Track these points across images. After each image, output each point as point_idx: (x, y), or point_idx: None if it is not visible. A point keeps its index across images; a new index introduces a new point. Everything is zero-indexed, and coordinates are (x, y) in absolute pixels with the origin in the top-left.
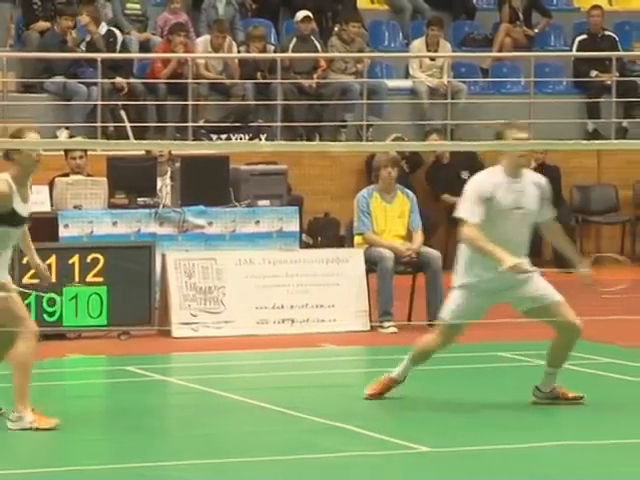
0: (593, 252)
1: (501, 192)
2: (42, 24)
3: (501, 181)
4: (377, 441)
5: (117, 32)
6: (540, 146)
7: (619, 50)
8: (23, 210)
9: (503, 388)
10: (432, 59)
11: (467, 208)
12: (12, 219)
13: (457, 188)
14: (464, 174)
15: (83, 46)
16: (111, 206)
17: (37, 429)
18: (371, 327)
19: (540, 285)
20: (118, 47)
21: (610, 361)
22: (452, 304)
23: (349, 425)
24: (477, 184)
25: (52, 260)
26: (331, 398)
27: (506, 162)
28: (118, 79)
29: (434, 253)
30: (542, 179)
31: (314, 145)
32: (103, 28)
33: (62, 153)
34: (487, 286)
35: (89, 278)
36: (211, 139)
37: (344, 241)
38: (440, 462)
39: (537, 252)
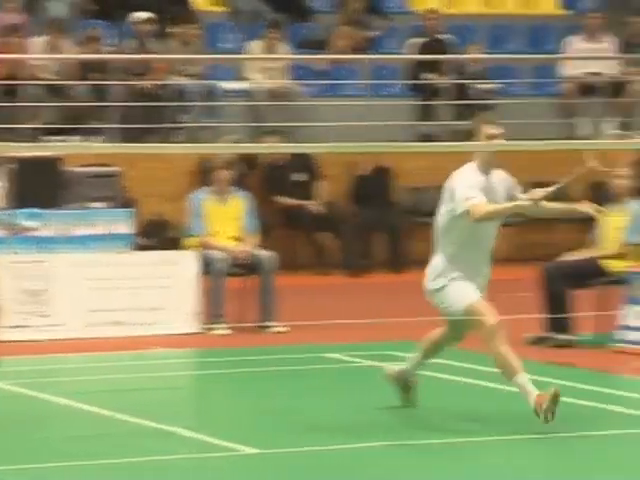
0: (425, 254)
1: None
2: None
3: (480, 178)
4: (204, 444)
5: None
6: (375, 148)
7: (454, 53)
8: None
9: (331, 389)
10: (270, 61)
11: (468, 194)
12: None
13: (292, 190)
14: (300, 176)
15: None
16: None
17: None
18: (203, 329)
19: None
20: None
21: (440, 362)
22: (455, 293)
23: (178, 428)
24: (467, 178)
25: None
26: (160, 401)
27: (479, 160)
28: None
29: (268, 255)
30: (508, 175)
31: (146, 147)
32: None
33: None
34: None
35: None
36: (44, 141)
37: (178, 243)
38: (266, 464)
39: None
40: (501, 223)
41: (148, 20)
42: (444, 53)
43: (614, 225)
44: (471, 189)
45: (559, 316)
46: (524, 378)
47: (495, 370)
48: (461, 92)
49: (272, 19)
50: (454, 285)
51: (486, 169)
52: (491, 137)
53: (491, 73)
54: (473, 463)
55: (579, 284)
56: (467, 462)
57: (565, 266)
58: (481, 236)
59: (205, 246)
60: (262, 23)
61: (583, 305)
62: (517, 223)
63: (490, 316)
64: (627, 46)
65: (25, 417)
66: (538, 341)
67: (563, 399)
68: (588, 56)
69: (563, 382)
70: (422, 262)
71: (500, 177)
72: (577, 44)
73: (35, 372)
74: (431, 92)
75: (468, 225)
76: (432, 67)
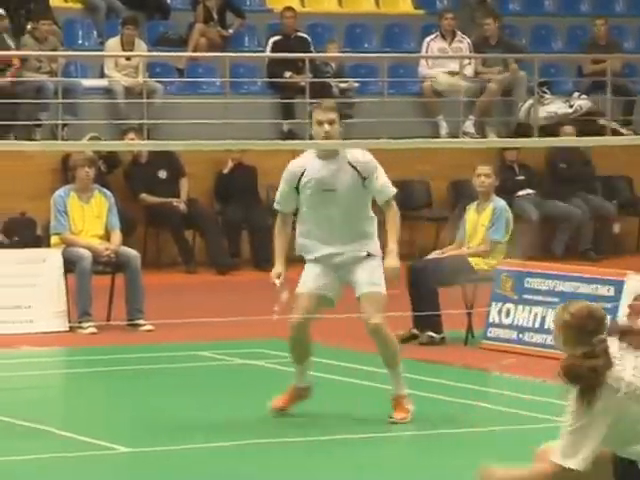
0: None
1: (311, 173)
2: None
3: (312, 162)
4: (76, 442)
5: None
6: (235, 146)
7: (312, 51)
8: None
9: (203, 387)
10: (128, 58)
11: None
12: None
13: (155, 187)
14: (162, 173)
15: None
16: None
17: None
18: (70, 328)
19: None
20: None
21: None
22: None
23: (49, 427)
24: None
25: None
26: (30, 400)
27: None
28: None
29: (133, 252)
30: (362, 156)
31: (7, 144)
32: None
33: None
34: None
35: None
36: None
37: (41, 241)
38: (138, 462)
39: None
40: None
41: (2, 16)
42: (303, 51)
43: (479, 222)
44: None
45: (428, 314)
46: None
47: None
48: (321, 90)
49: (128, 16)
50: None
51: (323, 153)
52: (318, 123)
53: (348, 72)
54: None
55: (447, 282)
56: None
57: (432, 264)
58: (323, 215)
59: (69, 244)
60: (118, 20)
61: (451, 303)
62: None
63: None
64: (479, 47)
65: None
66: (408, 339)
67: (433, 396)
68: (445, 55)
69: (432, 379)
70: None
71: (353, 159)
72: (433, 44)
73: None
74: (291, 90)
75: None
76: (292, 65)
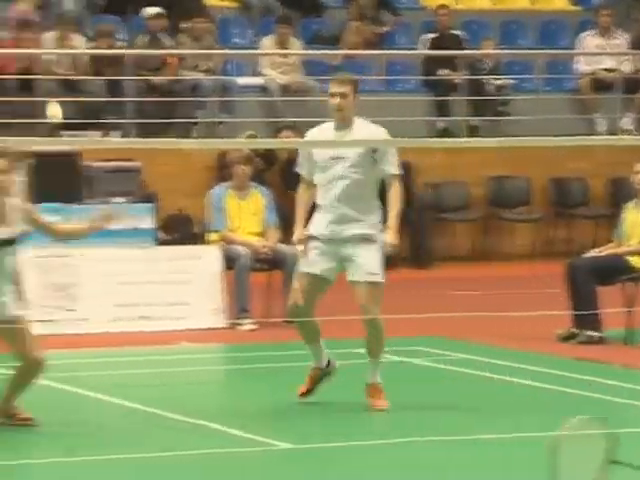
0: (447, 249)
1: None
2: None
3: (327, 133)
4: (236, 438)
5: None
6: (390, 144)
7: (467, 48)
8: None
9: (357, 386)
10: (283, 56)
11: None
12: None
13: None
14: None
15: None
16: None
17: None
18: (229, 324)
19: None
20: None
21: (466, 357)
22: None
23: (211, 423)
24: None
25: None
26: (189, 395)
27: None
28: None
29: (290, 250)
30: (379, 131)
31: (164, 142)
32: None
33: None
34: None
35: None
36: (62, 136)
37: (198, 238)
38: (301, 459)
39: None
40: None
41: (159, 15)
42: (457, 49)
43: (638, 221)
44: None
45: (587, 312)
46: None
47: None
48: (476, 88)
49: (283, 14)
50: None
51: (337, 123)
52: (331, 95)
53: (504, 69)
54: None
55: (604, 280)
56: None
57: (590, 262)
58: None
59: (227, 241)
60: (273, 18)
61: (610, 301)
62: (535, 220)
63: None
64: (637, 43)
65: (52, 410)
66: (567, 337)
67: (592, 395)
68: (602, 52)
69: (593, 378)
70: (444, 258)
71: (367, 131)
72: (590, 40)
73: (62, 366)
74: (446, 88)
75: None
76: (446, 63)
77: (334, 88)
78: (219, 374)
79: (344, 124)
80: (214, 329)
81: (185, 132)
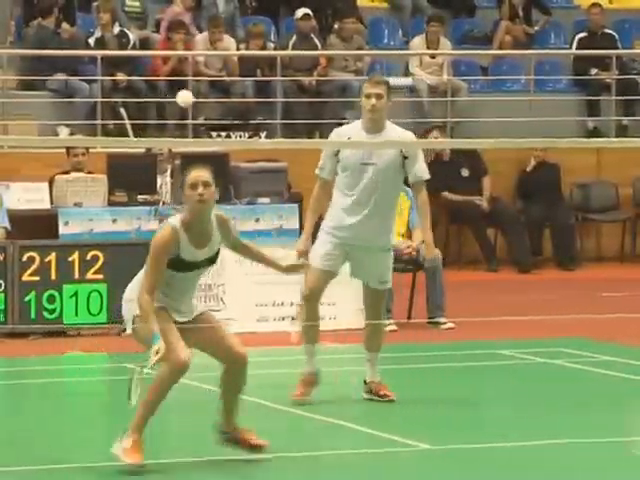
0: (594, 250)
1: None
2: (41, 20)
3: (358, 133)
4: (377, 438)
5: (129, 33)
6: (540, 144)
7: (619, 48)
8: (192, 256)
9: (501, 387)
10: (432, 57)
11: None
12: (177, 264)
13: (457, 186)
14: (464, 172)
15: (91, 43)
16: (111, 204)
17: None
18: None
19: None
20: (129, 48)
21: (610, 359)
22: None
23: (350, 423)
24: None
25: (52, 257)
26: (332, 396)
27: (362, 115)
28: (119, 76)
29: (435, 250)
30: (407, 134)
31: (313, 142)
32: (116, 28)
33: (62, 151)
34: None
35: (89, 275)
36: (211, 137)
37: None
38: (440, 460)
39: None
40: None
41: (308, 16)
42: (610, 48)
43: None
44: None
45: None
46: None
47: None
48: (627, 87)
49: (434, 14)
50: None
51: (368, 125)
52: (367, 96)
53: None
54: None
55: None
56: None
57: None
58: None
59: None
60: (423, 19)
61: None
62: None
63: None
64: None
65: (200, 409)
66: None
67: None
68: None
69: None
70: (591, 259)
71: (398, 135)
72: None
73: (207, 366)
74: (596, 87)
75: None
76: (597, 62)
77: (369, 89)
78: (355, 374)
79: (376, 127)
80: (359, 329)
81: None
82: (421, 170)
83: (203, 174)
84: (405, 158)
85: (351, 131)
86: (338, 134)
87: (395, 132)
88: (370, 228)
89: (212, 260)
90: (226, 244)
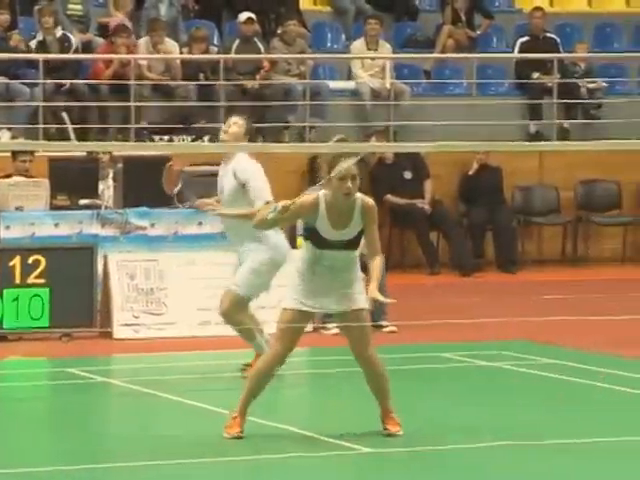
0: (535, 253)
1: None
2: None
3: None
4: (320, 442)
5: (71, 37)
6: (482, 147)
7: (560, 52)
8: (328, 233)
9: (442, 389)
10: (373, 59)
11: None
12: (313, 237)
13: (400, 188)
14: (407, 174)
15: (32, 46)
16: (53, 207)
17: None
18: (314, 328)
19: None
20: (72, 52)
21: (551, 361)
22: None
23: (288, 426)
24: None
25: None
26: (271, 400)
27: None
28: (61, 80)
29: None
30: (244, 161)
31: (257, 146)
32: (58, 31)
33: (7, 155)
34: None
35: (31, 280)
36: (153, 141)
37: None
38: (380, 463)
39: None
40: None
41: (251, 20)
42: (551, 52)
43: None
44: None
45: None
46: None
47: None
48: (569, 91)
49: (373, 15)
50: None
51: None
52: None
53: (597, 72)
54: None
55: None
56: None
57: None
58: None
59: None
60: (365, 21)
61: None
62: (625, 223)
63: None
64: None
65: (141, 414)
66: None
67: None
68: None
69: None
70: (533, 262)
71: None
72: None
73: (149, 370)
74: (538, 91)
75: None
76: (539, 66)
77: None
78: (303, 377)
79: (228, 155)
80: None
81: (276, 136)
82: (258, 193)
83: (353, 167)
84: (242, 185)
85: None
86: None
87: (235, 161)
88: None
89: (351, 244)
90: (364, 233)
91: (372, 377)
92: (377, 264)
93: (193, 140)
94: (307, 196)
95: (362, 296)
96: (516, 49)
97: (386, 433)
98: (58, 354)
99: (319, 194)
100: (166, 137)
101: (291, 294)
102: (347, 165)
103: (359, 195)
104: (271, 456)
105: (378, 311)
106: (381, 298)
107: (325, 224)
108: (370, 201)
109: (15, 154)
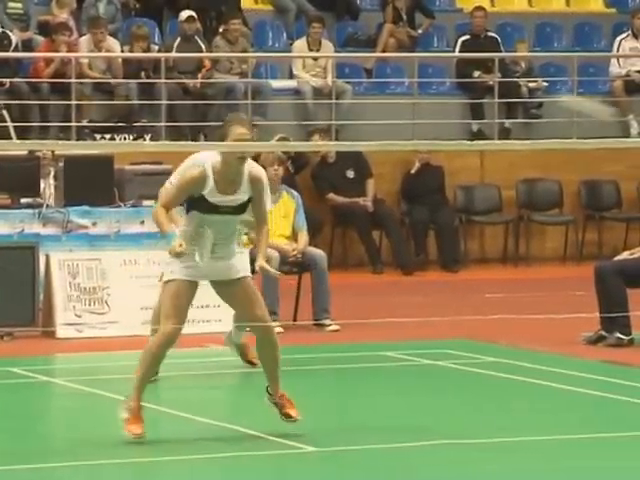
0: (477, 252)
1: None
2: None
3: None
4: (265, 441)
5: (11, 35)
6: (424, 146)
7: (501, 51)
8: (217, 199)
9: (386, 388)
10: (315, 59)
11: None
12: (201, 205)
13: (343, 187)
14: (349, 173)
15: None
16: None
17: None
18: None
19: None
20: (11, 50)
21: (493, 360)
22: None
23: (234, 425)
24: None
25: None
26: (215, 399)
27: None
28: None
29: (319, 253)
30: None
31: (198, 145)
32: None
33: None
34: None
35: None
36: (95, 139)
37: None
38: (325, 462)
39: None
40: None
41: (192, 18)
42: (492, 51)
43: None
44: None
45: (616, 315)
46: None
47: None
48: (510, 90)
49: (314, 14)
50: None
51: None
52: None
53: (538, 71)
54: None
55: (634, 283)
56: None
57: (620, 265)
58: None
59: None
60: (306, 21)
61: (639, 304)
62: (566, 222)
63: None
64: None
65: (84, 413)
66: (595, 340)
67: (620, 398)
68: (637, 55)
69: (618, 381)
70: (475, 260)
71: None
72: (625, 43)
73: (92, 369)
74: (479, 90)
75: None
76: (480, 65)
77: (243, 129)
78: (243, 377)
79: None
80: None
81: (215, 134)
82: None
83: (248, 132)
84: None
85: None
86: None
87: None
88: None
89: (238, 209)
90: (252, 203)
91: (265, 344)
92: (264, 235)
93: (135, 139)
94: (191, 170)
95: (245, 266)
96: (457, 48)
97: (290, 420)
98: (0, 353)
99: (204, 166)
100: (107, 136)
101: (172, 267)
102: (241, 129)
103: (249, 164)
104: (217, 455)
105: (320, 309)
106: (270, 269)
107: (213, 192)
108: (259, 171)
109: None
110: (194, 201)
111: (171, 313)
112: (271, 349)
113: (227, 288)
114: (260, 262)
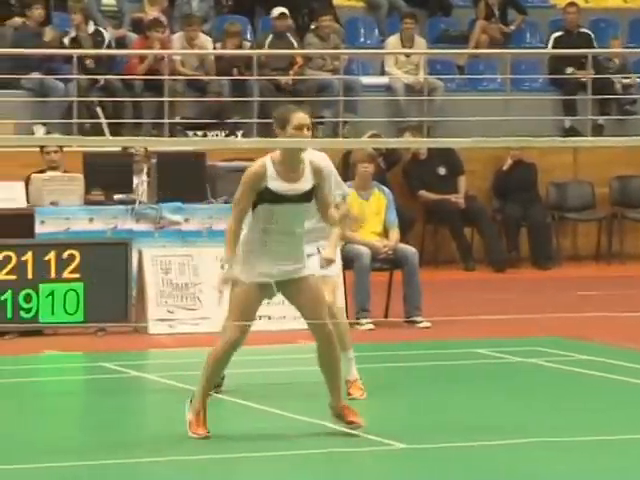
0: (570, 249)
1: None
2: (17, 20)
3: None
4: (356, 438)
5: (104, 32)
6: (516, 143)
7: (594, 47)
8: (281, 188)
9: (477, 385)
10: (407, 56)
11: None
12: (266, 195)
13: (434, 184)
14: (441, 170)
15: (66, 42)
16: (87, 202)
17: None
18: (349, 324)
19: None
20: (104, 47)
21: (586, 358)
22: None
23: (327, 422)
24: None
25: (28, 257)
26: (308, 395)
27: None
28: (95, 75)
29: (411, 250)
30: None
31: (291, 142)
32: (91, 27)
33: (38, 150)
34: None
35: (65, 274)
36: (187, 136)
37: None
38: (417, 460)
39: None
40: None
41: (284, 15)
42: (586, 47)
43: None
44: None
45: None
46: None
47: None
48: (603, 86)
49: (407, 11)
50: None
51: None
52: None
53: (632, 67)
54: None
55: None
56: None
57: None
58: None
59: (349, 241)
60: (399, 17)
61: None
62: None
63: None
64: None
65: (172, 409)
66: None
67: None
68: None
69: None
70: (567, 258)
71: None
72: None
73: (184, 365)
74: (572, 86)
75: None
76: (573, 61)
77: (302, 119)
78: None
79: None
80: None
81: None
82: None
83: (307, 117)
84: None
85: None
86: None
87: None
88: None
89: (304, 197)
90: (317, 193)
91: (324, 348)
92: (336, 229)
93: (227, 135)
94: (252, 166)
95: (311, 265)
96: (550, 44)
97: (352, 427)
98: (93, 349)
99: (263, 159)
100: (200, 132)
101: (242, 268)
102: (301, 114)
103: (310, 152)
104: (312, 452)
105: (412, 306)
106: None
107: (276, 181)
108: (321, 160)
109: (42, 148)
110: (260, 194)
111: (238, 318)
112: (329, 354)
113: (290, 288)
114: (328, 253)
